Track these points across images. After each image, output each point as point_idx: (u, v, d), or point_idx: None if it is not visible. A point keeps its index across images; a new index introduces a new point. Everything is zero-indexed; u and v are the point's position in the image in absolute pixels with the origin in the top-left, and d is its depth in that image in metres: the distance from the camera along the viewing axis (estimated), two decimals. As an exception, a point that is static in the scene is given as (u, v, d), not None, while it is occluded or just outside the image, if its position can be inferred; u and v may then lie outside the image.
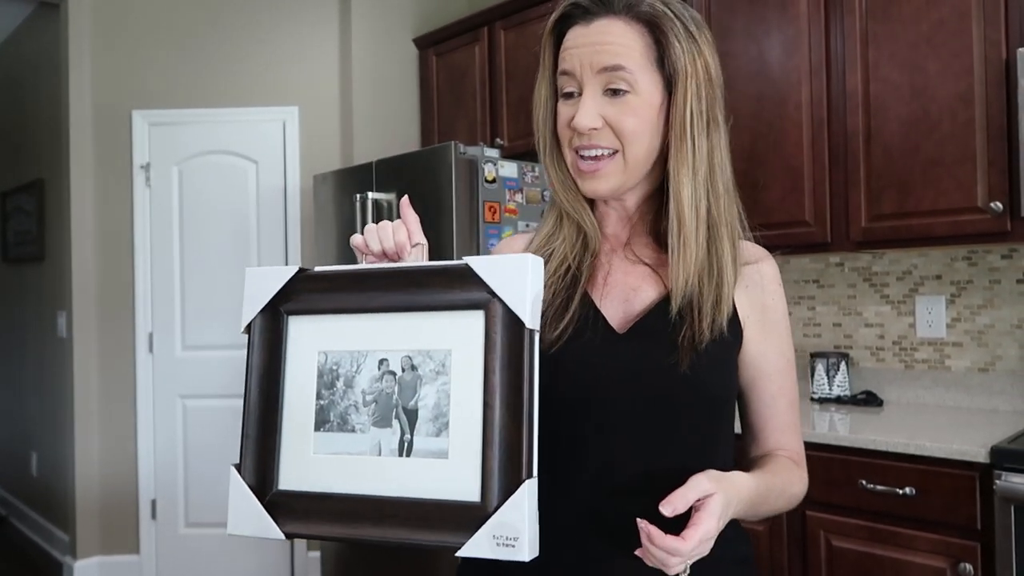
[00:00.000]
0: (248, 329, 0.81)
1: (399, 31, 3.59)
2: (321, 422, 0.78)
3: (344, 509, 0.75)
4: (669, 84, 0.90)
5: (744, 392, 0.98)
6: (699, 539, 0.73)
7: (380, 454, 0.76)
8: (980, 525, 1.76)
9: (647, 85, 0.89)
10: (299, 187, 3.44)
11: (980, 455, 1.75)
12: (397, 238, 0.85)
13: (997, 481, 1.71)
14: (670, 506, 0.74)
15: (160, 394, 3.47)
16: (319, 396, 0.78)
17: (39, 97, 3.97)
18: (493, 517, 0.70)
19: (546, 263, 0.92)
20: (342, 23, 3.47)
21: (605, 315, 0.92)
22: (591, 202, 0.98)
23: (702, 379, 0.88)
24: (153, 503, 3.46)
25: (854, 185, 2.24)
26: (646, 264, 0.95)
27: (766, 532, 2.10)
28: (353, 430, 0.77)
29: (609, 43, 0.88)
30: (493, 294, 0.74)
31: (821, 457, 2.00)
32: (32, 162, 4.11)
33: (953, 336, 2.38)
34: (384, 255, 0.86)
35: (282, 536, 0.76)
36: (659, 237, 0.95)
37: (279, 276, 0.81)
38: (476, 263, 0.75)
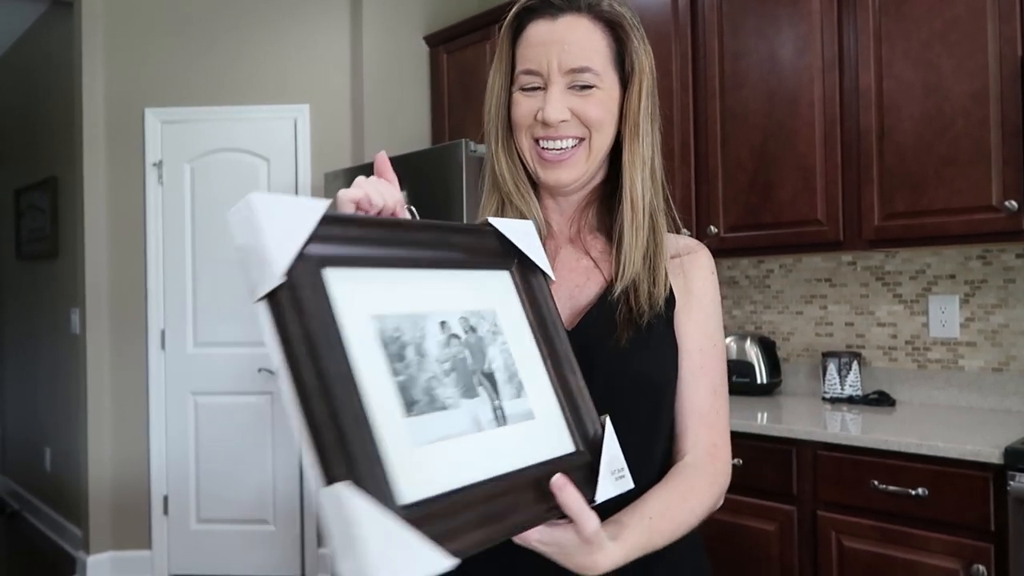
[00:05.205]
0: (276, 288, 0.58)
1: (410, 29, 3.60)
2: (409, 404, 0.60)
3: (483, 505, 0.60)
4: (624, 81, 0.94)
5: None
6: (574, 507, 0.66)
7: (481, 429, 0.64)
8: (993, 526, 1.74)
9: (609, 82, 0.93)
10: (310, 185, 3.45)
11: (994, 456, 1.74)
12: (395, 195, 0.76)
13: (1011, 482, 1.70)
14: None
15: (172, 390, 3.49)
16: (395, 372, 0.60)
17: (52, 95, 3.99)
18: (603, 457, 0.71)
19: None
20: (353, 21, 3.48)
21: None
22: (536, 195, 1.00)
23: (642, 356, 0.90)
24: (165, 498, 3.48)
25: (867, 184, 2.22)
26: (590, 258, 0.97)
27: (777, 532, 2.09)
28: (444, 407, 0.62)
29: (576, 43, 0.90)
30: (518, 252, 0.75)
31: (832, 457, 2.00)
32: (45, 160, 4.14)
33: (967, 336, 2.36)
34: (380, 213, 0.78)
35: (451, 564, 0.55)
36: (600, 230, 0.99)
37: (308, 213, 0.59)
38: (498, 223, 0.76)
